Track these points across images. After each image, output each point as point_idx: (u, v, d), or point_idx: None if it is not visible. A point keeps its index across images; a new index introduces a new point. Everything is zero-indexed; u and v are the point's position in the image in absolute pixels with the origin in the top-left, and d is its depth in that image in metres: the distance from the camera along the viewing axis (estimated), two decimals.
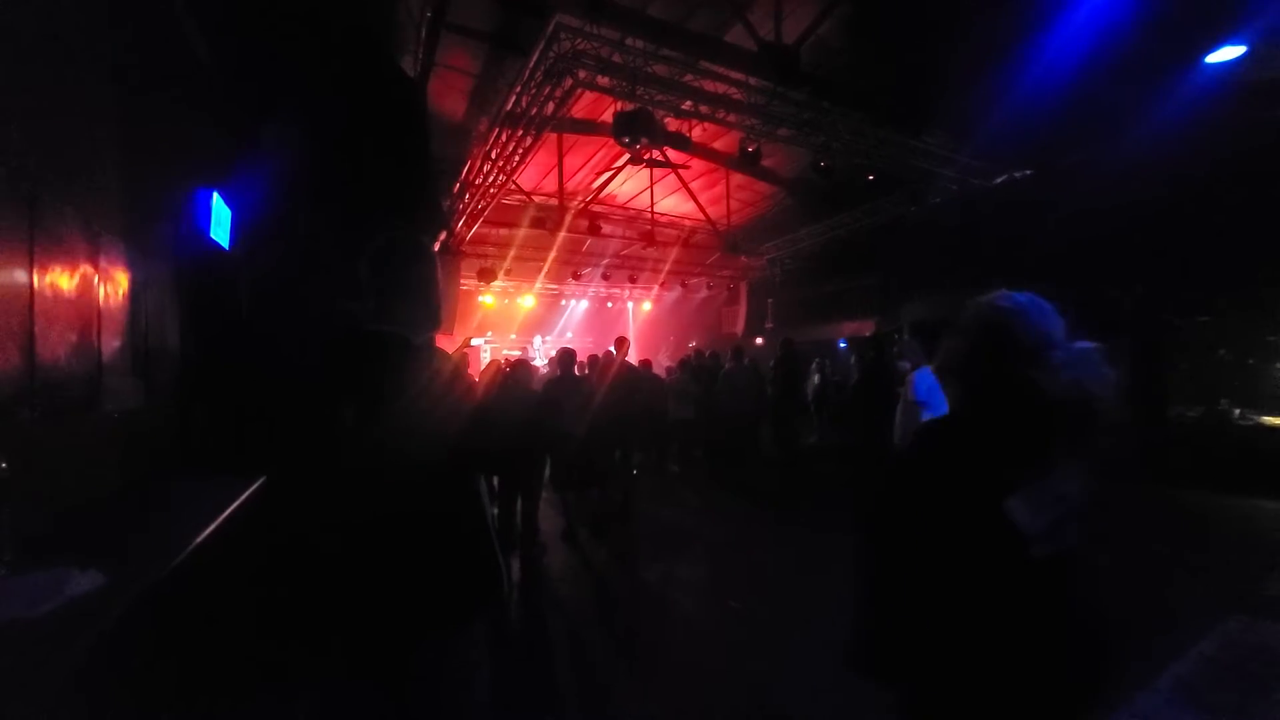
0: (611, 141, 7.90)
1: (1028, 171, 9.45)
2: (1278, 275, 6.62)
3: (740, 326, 16.92)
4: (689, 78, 7.28)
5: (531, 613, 3.84)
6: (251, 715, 2.29)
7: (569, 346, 5.78)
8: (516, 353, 15.80)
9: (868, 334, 11.34)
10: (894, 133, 8.70)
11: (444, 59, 6.81)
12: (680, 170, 10.48)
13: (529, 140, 7.97)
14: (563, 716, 2.74)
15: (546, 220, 10.91)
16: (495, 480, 4.84)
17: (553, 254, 13.24)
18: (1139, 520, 5.27)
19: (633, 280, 15.91)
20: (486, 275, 12.90)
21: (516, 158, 8.46)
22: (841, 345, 12.99)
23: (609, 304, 19.58)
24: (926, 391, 4.02)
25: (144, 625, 1.37)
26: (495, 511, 4.77)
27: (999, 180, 9.86)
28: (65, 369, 2.00)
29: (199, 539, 1.80)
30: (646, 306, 19.08)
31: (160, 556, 1.60)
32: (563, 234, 11.40)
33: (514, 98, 7.50)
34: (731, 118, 7.92)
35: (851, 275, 13.10)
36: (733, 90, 7.51)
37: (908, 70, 7.41)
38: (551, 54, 6.47)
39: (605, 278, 15.52)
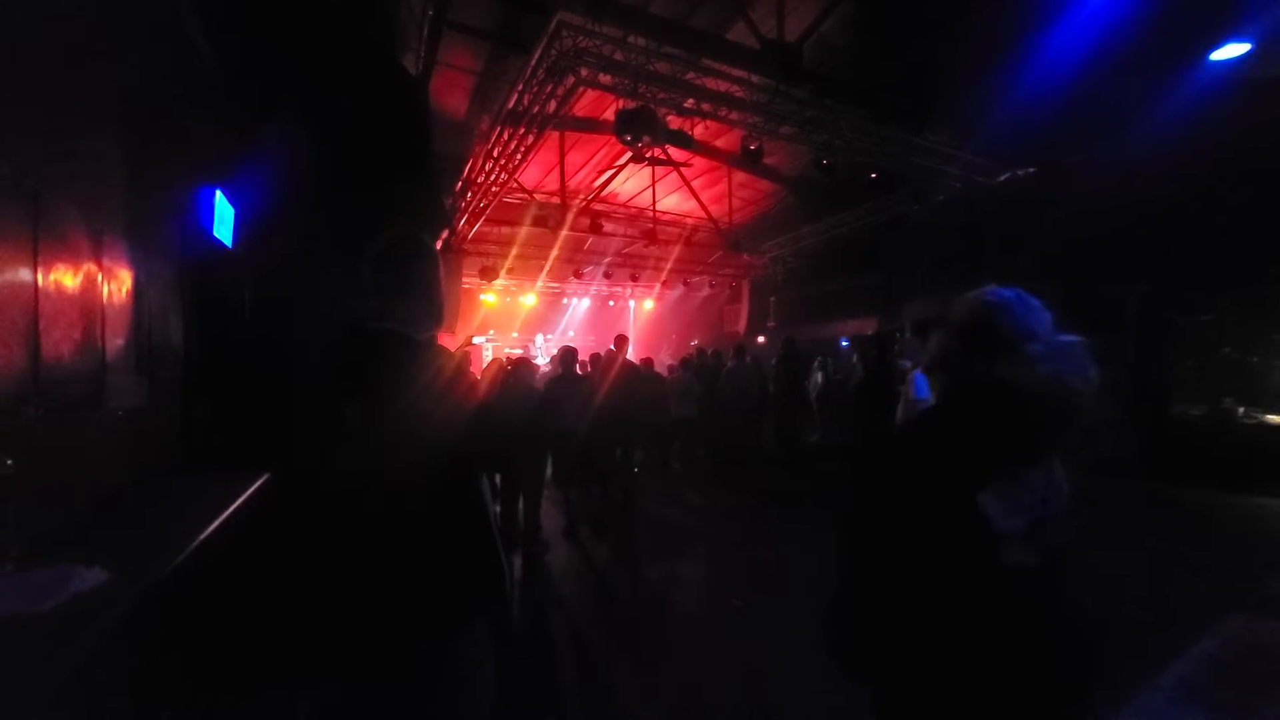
0: (613, 140, 7.90)
1: (1031, 169, 9.42)
2: None
3: (742, 325, 16.92)
4: (691, 75, 7.26)
5: (533, 611, 3.85)
6: (253, 713, 2.30)
7: (570, 345, 5.79)
8: (518, 351, 15.83)
9: (870, 333, 11.32)
10: (896, 130, 8.68)
11: (446, 57, 6.81)
12: (682, 168, 10.47)
13: (531, 138, 7.97)
14: (565, 715, 2.75)
15: (548, 218, 10.91)
16: (497, 478, 4.85)
17: (554, 252, 13.25)
18: (1142, 518, 5.27)
19: (634, 279, 15.91)
20: (488, 273, 12.91)
21: (519, 156, 8.46)
22: (844, 344, 12.97)
23: (610, 303, 19.58)
24: (927, 390, 4.02)
25: (148, 622, 1.38)
26: (497, 509, 4.78)
27: (1002, 178, 9.84)
28: (69, 367, 2.00)
29: (202, 536, 1.81)
30: (648, 305, 19.08)
31: (164, 554, 1.61)
32: (564, 232, 11.40)
33: (516, 96, 7.50)
34: (734, 115, 7.91)
35: (854, 274, 13.08)
36: (735, 88, 7.50)
37: (910, 67, 7.39)
38: (554, 52, 6.46)
39: (607, 276, 15.52)
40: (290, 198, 3.42)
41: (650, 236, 11.99)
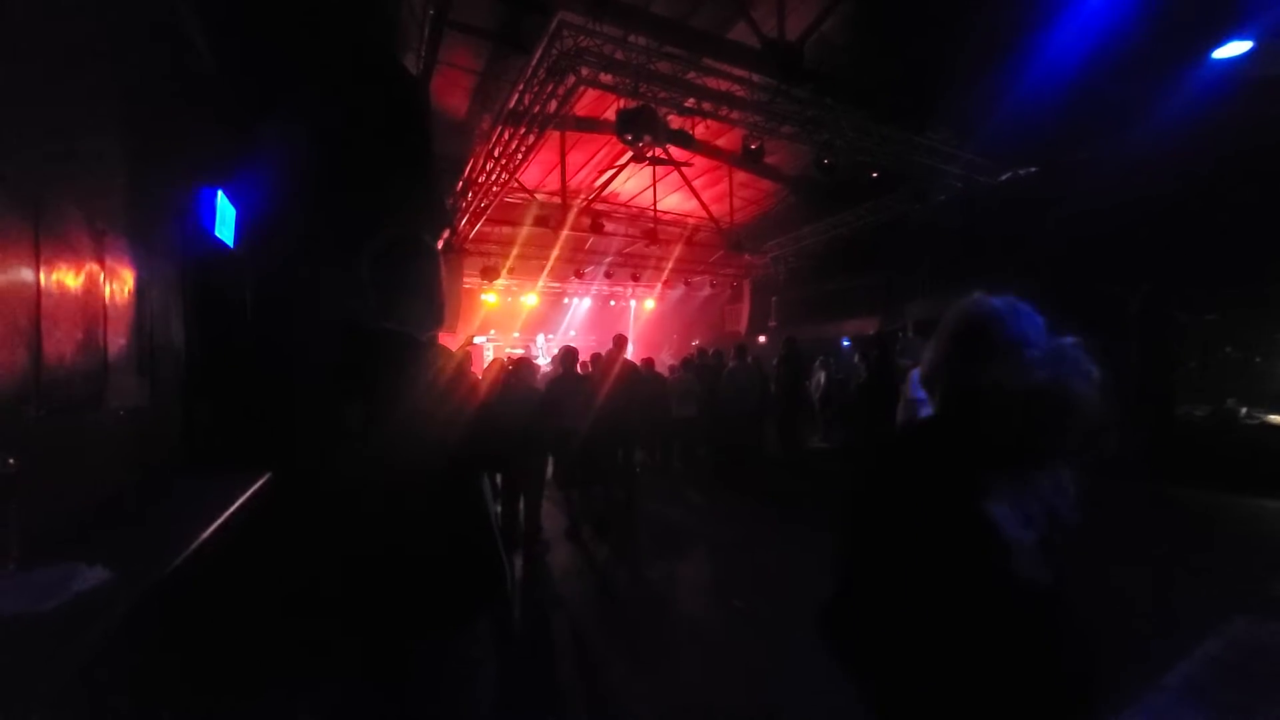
0: (614, 139, 7.90)
1: (1032, 168, 9.42)
2: None
3: (743, 325, 16.91)
4: (692, 75, 7.26)
5: (534, 611, 3.85)
6: (255, 714, 2.30)
7: (571, 345, 5.79)
8: (519, 351, 15.83)
9: (871, 332, 11.32)
10: (898, 130, 8.68)
11: (447, 57, 6.81)
12: (683, 168, 10.47)
13: (532, 138, 7.97)
14: (566, 716, 2.75)
15: (549, 218, 10.91)
16: (498, 478, 4.86)
17: (555, 252, 13.25)
18: (1144, 519, 5.26)
19: (636, 279, 15.91)
20: (489, 273, 12.92)
21: (519, 156, 8.46)
22: (845, 344, 12.97)
23: (612, 302, 19.58)
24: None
25: (150, 622, 1.38)
26: (498, 509, 4.78)
27: (1004, 177, 9.83)
28: (71, 367, 2.01)
29: (204, 536, 1.81)
30: (650, 305, 19.08)
31: (166, 553, 1.61)
32: (565, 232, 11.40)
33: (517, 96, 7.51)
34: (734, 115, 7.91)
35: (855, 273, 13.07)
36: (736, 87, 7.49)
37: (911, 66, 7.38)
38: (554, 51, 6.46)
39: (608, 276, 15.52)
40: (291, 198, 3.42)
41: (651, 236, 11.99)
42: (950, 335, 1.14)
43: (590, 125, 9.36)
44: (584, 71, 6.57)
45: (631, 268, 15.52)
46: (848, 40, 7.19)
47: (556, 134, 8.96)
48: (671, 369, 9.53)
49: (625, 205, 13.17)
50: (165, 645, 1.61)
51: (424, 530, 1.34)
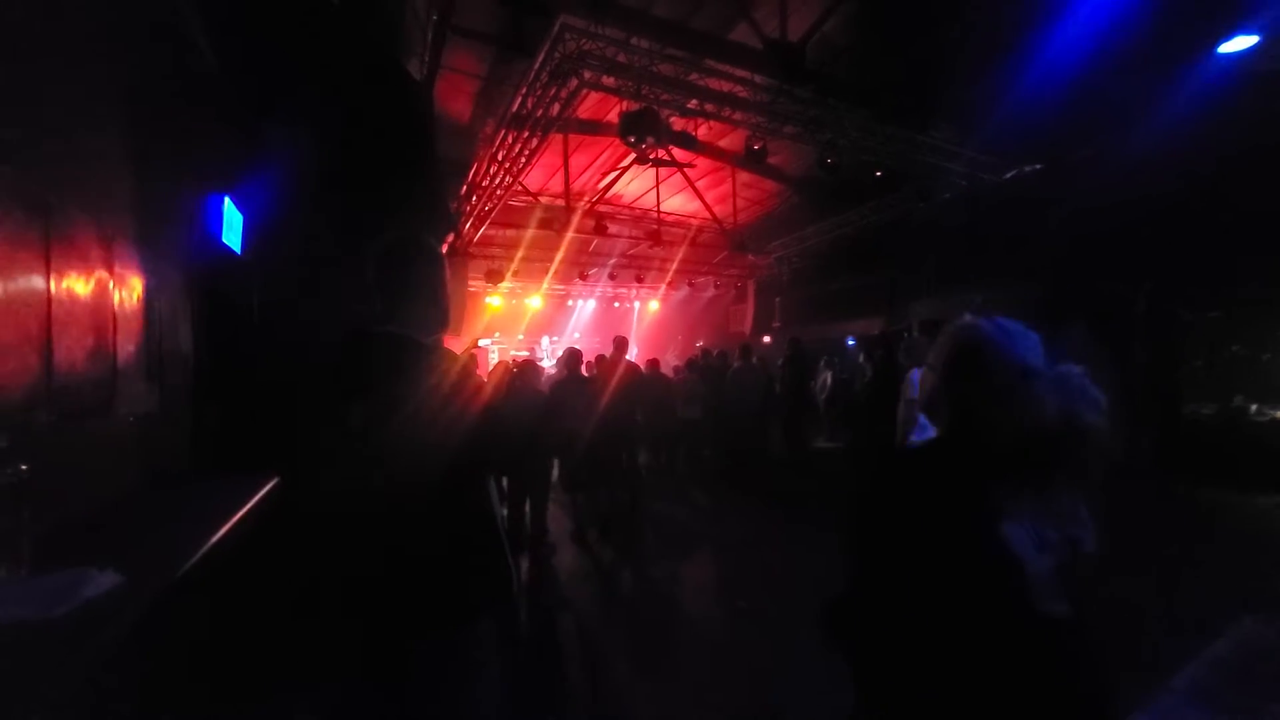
0: (617, 141, 7.91)
1: (1036, 166, 9.37)
2: None
3: (748, 325, 16.88)
4: (694, 76, 7.27)
5: (540, 612, 3.85)
6: (260, 715, 2.32)
7: (575, 347, 5.80)
8: (524, 354, 15.85)
9: (876, 332, 11.28)
10: (901, 129, 8.66)
11: (450, 62, 6.84)
12: (686, 169, 10.47)
13: (535, 141, 8.00)
14: (571, 717, 2.75)
15: (553, 221, 10.93)
16: (504, 481, 4.87)
17: (560, 255, 13.26)
18: (1152, 518, 5.22)
19: (639, 280, 15.91)
20: (494, 276, 12.95)
21: (523, 159, 8.49)
22: (850, 343, 12.93)
23: (616, 304, 19.58)
24: None
25: (161, 625, 1.39)
26: (504, 512, 4.79)
27: (1008, 175, 9.79)
28: (81, 373, 2.02)
29: (213, 540, 1.82)
30: (654, 306, 19.07)
31: (175, 557, 1.62)
32: (569, 234, 11.42)
33: (520, 99, 7.53)
34: (737, 116, 7.91)
35: (859, 273, 13.04)
36: (738, 88, 7.49)
37: (913, 65, 7.37)
38: (557, 55, 6.48)
39: (612, 278, 15.52)
40: (297, 203, 3.44)
41: (655, 238, 11.99)
42: (948, 367, 1.12)
43: (593, 128, 9.37)
44: (586, 74, 6.59)
45: (635, 269, 15.52)
46: (850, 40, 7.18)
47: (559, 137, 8.97)
48: (676, 370, 9.53)
49: (629, 207, 13.17)
50: (174, 649, 1.62)
51: (430, 532, 1.35)
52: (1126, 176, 7.27)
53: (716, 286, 16.62)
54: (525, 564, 4.62)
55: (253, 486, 2.49)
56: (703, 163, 10.83)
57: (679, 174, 10.65)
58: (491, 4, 6.38)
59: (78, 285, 2.01)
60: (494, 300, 15.12)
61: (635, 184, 11.87)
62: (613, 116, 8.28)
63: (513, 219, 12.00)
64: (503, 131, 8.45)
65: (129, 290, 2.42)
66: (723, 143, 10.24)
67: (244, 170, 3.38)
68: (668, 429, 7.99)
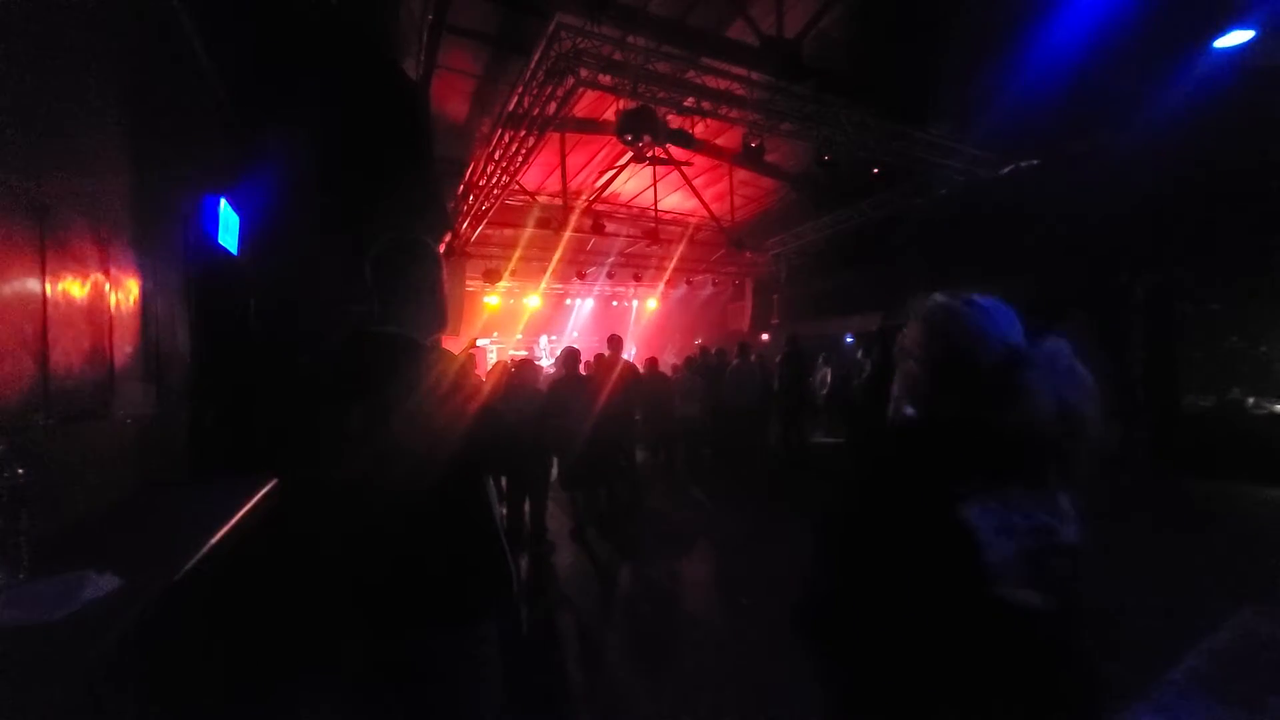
0: (614, 140, 7.90)
1: (1034, 161, 9.37)
2: None
3: (746, 323, 16.89)
4: (691, 74, 7.27)
5: (540, 611, 3.86)
6: (261, 715, 2.32)
7: (574, 346, 5.80)
8: (522, 353, 15.85)
9: (874, 328, 11.28)
10: (898, 124, 8.66)
11: (446, 61, 6.84)
12: (683, 167, 10.47)
13: (531, 140, 7.99)
14: (572, 716, 2.75)
15: (550, 220, 10.93)
16: (503, 480, 4.87)
17: (557, 254, 13.26)
18: (1150, 510, 5.23)
19: (638, 279, 15.91)
20: (492, 276, 12.94)
21: (519, 158, 8.48)
22: (848, 340, 12.93)
23: (614, 303, 19.58)
24: None
25: (161, 628, 1.39)
26: (503, 511, 4.79)
27: (1005, 170, 9.79)
28: (79, 376, 2.02)
29: (212, 541, 1.82)
30: (652, 304, 19.08)
31: (175, 559, 1.62)
32: (567, 233, 11.42)
33: (516, 98, 7.52)
34: (734, 113, 7.90)
35: (857, 269, 13.04)
36: (735, 85, 7.49)
37: (910, 60, 7.36)
38: (553, 53, 6.47)
39: (610, 277, 15.52)
40: (293, 204, 3.44)
41: (652, 236, 11.99)
42: (925, 350, 1.06)
43: (590, 126, 9.37)
44: (583, 73, 6.58)
45: (633, 268, 15.52)
46: (846, 35, 7.18)
47: (556, 136, 8.97)
48: (675, 368, 9.53)
49: (626, 205, 13.17)
50: (174, 651, 1.62)
51: (429, 532, 1.35)
52: (1123, 170, 7.27)
53: (714, 284, 16.63)
54: (525, 563, 4.62)
55: (251, 488, 2.48)
56: (700, 161, 10.83)
57: (676, 172, 10.64)
58: (486, 3, 6.38)
59: (74, 287, 2.00)
60: (492, 300, 15.11)
61: (632, 182, 11.87)
62: (609, 115, 8.28)
63: (510, 218, 11.99)
64: (499, 131, 8.44)
65: (126, 292, 2.41)
66: (720, 140, 10.25)
67: (240, 171, 3.38)
68: (666, 427, 8.00)
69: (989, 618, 0.92)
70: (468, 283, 13.15)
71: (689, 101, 7.54)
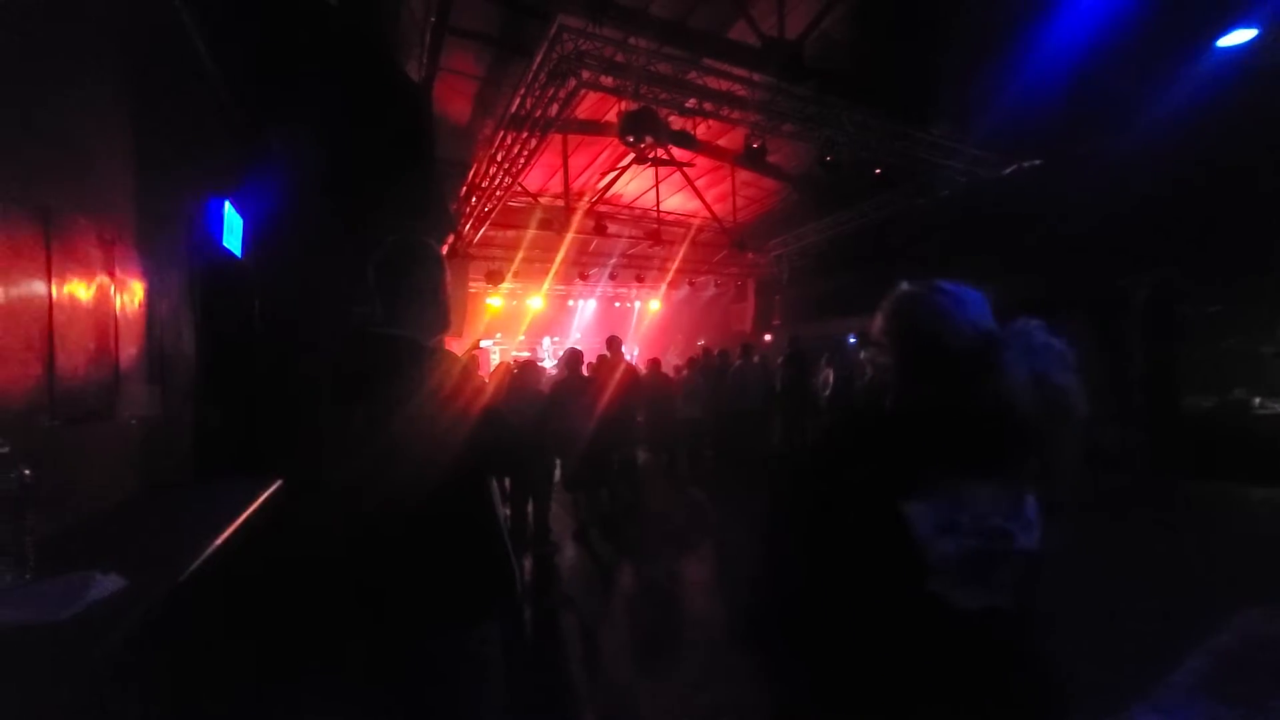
0: (616, 141, 7.91)
1: (1036, 161, 9.36)
2: None
3: (748, 324, 16.87)
4: (692, 75, 7.27)
5: (543, 612, 3.86)
6: (264, 715, 2.32)
7: (576, 348, 5.80)
8: (525, 354, 15.85)
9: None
10: (900, 125, 8.66)
11: (448, 63, 6.85)
12: (685, 168, 10.47)
13: (534, 142, 8.00)
14: (575, 717, 2.75)
15: (553, 221, 10.94)
16: (506, 481, 4.87)
17: (560, 255, 13.27)
18: (1152, 511, 5.22)
19: (640, 280, 15.90)
20: (494, 277, 12.95)
21: (522, 160, 8.49)
22: (851, 341, 12.91)
23: (617, 304, 19.58)
24: None
25: (165, 628, 1.39)
26: (507, 512, 4.80)
27: (1007, 171, 9.78)
28: (84, 377, 2.03)
29: (217, 542, 1.83)
30: (654, 306, 19.06)
31: (180, 560, 1.62)
32: (569, 235, 11.43)
33: (518, 100, 7.54)
34: (736, 114, 7.91)
35: (859, 270, 13.01)
36: (737, 87, 7.49)
37: (912, 61, 7.36)
38: (554, 55, 6.49)
39: (612, 278, 15.52)
40: (297, 206, 3.45)
41: (655, 237, 11.99)
42: (892, 340, 1.03)
43: (592, 128, 9.37)
44: (584, 74, 6.59)
45: (636, 269, 15.51)
46: (848, 36, 7.18)
47: (559, 137, 8.98)
48: (677, 369, 9.52)
49: (628, 207, 13.17)
50: (179, 651, 1.63)
51: (433, 534, 1.35)
52: (1124, 171, 7.26)
53: (717, 285, 16.61)
54: (528, 564, 4.62)
55: (256, 489, 2.49)
56: (702, 162, 10.83)
57: (678, 173, 10.65)
58: (488, 5, 6.39)
59: (79, 289, 2.01)
60: (495, 301, 15.12)
61: (634, 184, 11.87)
62: (611, 116, 8.28)
63: (512, 220, 12.00)
64: (501, 132, 8.45)
65: (130, 294, 2.42)
66: (722, 141, 10.24)
67: (244, 174, 3.39)
68: (669, 428, 7.99)
69: (928, 618, 0.89)
70: (470, 284, 13.16)
71: (691, 103, 7.54)
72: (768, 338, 15.45)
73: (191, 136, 3.06)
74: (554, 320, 19.92)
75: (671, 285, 16.64)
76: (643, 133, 6.90)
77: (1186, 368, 7.19)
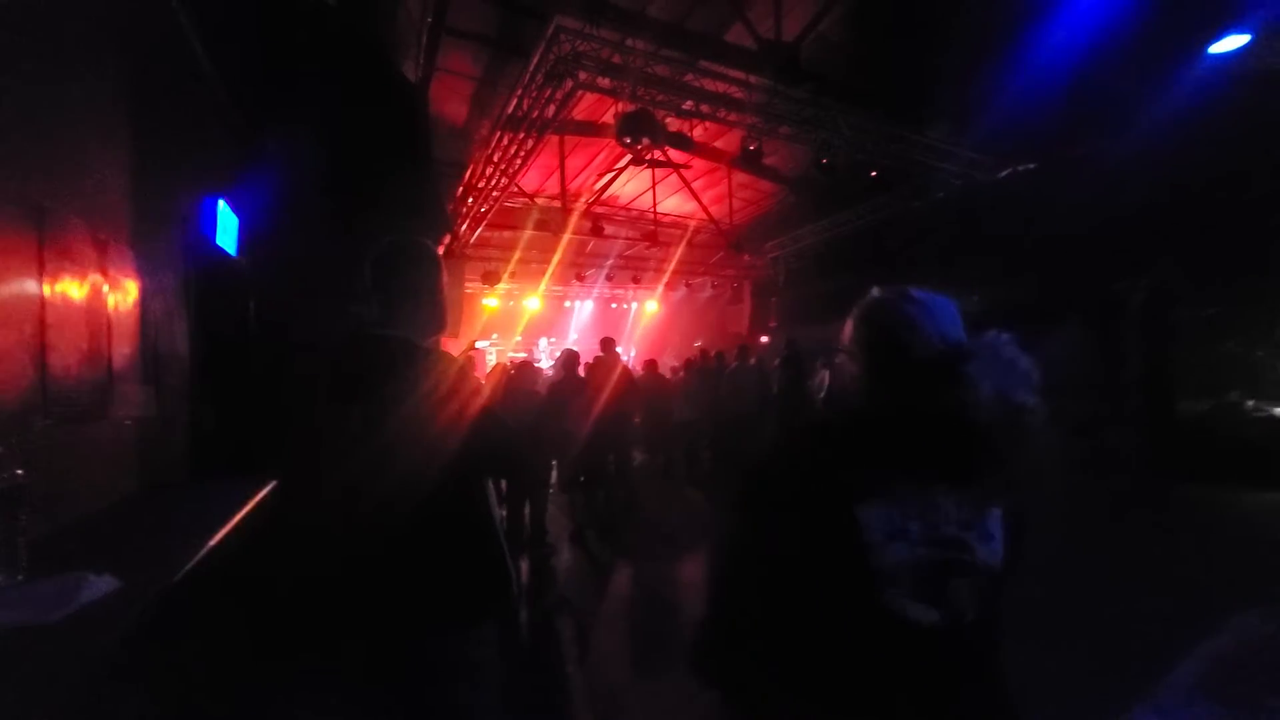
0: (613, 142, 7.92)
1: (1031, 165, 9.41)
2: None
3: (745, 326, 16.89)
4: (689, 77, 7.29)
5: (540, 614, 3.85)
6: (260, 716, 2.31)
7: (573, 349, 5.80)
8: (522, 355, 15.83)
9: None
10: (896, 128, 8.69)
11: (445, 63, 6.85)
12: (682, 170, 10.49)
13: (531, 143, 8.00)
14: (572, 718, 2.75)
15: (550, 222, 10.94)
16: (502, 483, 4.86)
17: (557, 256, 13.28)
18: (1149, 514, 5.24)
19: (637, 281, 15.92)
20: (491, 278, 12.94)
21: (518, 160, 8.49)
22: None
23: (613, 305, 19.58)
24: None
25: (158, 630, 1.38)
26: (503, 514, 4.79)
27: (1002, 174, 9.83)
28: (77, 377, 2.02)
29: (211, 543, 1.82)
30: (651, 307, 19.08)
31: (173, 561, 1.61)
32: (566, 236, 11.43)
33: (515, 101, 7.54)
34: (733, 116, 7.93)
35: (856, 272, 13.05)
36: (733, 89, 7.51)
37: (908, 64, 7.39)
38: (552, 56, 6.49)
39: (609, 279, 15.53)
40: (292, 206, 3.44)
41: (651, 238, 12.01)
42: (859, 347, 1.01)
43: (589, 129, 9.39)
44: (581, 76, 6.60)
45: (633, 270, 15.52)
46: (844, 39, 7.21)
47: (555, 138, 8.98)
48: (673, 370, 9.53)
49: (625, 208, 13.19)
50: (173, 652, 1.62)
51: (429, 535, 1.35)
52: (1120, 174, 7.30)
53: (713, 287, 16.64)
54: (525, 565, 4.61)
55: (250, 490, 2.48)
56: (699, 163, 10.86)
57: (675, 175, 10.66)
58: (486, 5, 6.40)
59: (72, 289, 2.00)
60: (491, 302, 15.11)
61: (631, 185, 11.89)
62: (608, 118, 8.30)
63: (509, 221, 12.00)
64: (498, 133, 8.45)
65: (124, 293, 2.41)
66: (718, 143, 10.27)
67: (239, 173, 3.38)
68: (665, 430, 7.99)
69: (877, 631, 0.86)
70: (467, 285, 13.14)
71: (688, 104, 7.56)
72: (764, 339, 15.48)
73: (187, 136, 3.05)
74: (551, 321, 19.91)
75: (668, 287, 16.66)
76: (640, 134, 6.90)
77: (1182, 371, 7.23)
